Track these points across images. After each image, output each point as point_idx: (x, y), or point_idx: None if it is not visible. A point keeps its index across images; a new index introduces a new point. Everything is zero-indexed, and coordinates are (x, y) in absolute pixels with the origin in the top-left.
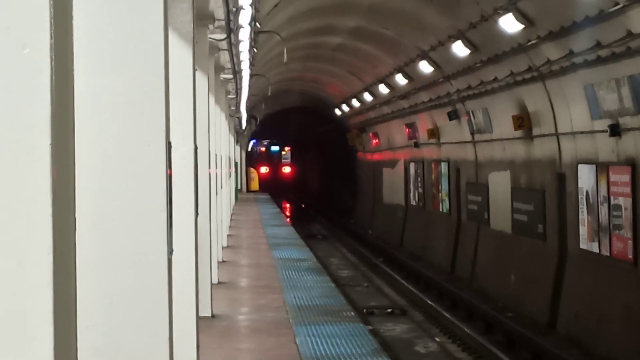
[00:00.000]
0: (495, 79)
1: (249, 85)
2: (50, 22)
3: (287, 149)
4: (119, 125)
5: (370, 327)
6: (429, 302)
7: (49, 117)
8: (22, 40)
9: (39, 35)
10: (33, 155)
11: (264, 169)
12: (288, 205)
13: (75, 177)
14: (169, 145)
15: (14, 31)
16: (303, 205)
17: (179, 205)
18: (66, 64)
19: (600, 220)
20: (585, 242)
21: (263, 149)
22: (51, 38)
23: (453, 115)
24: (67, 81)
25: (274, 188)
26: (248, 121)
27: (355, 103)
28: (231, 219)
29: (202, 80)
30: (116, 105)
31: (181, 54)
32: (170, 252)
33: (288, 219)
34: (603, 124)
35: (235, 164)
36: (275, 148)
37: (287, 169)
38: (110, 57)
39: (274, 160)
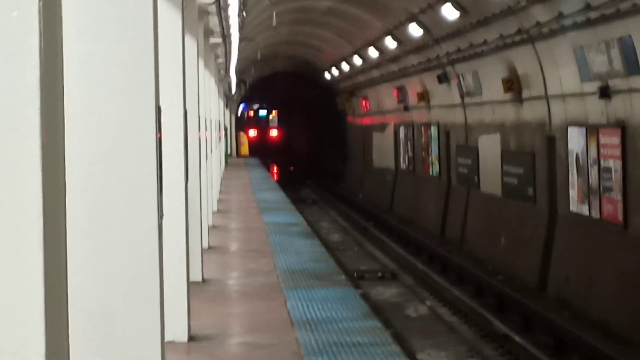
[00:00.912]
0: (485, 42)
1: (239, 50)
2: None
3: (274, 112)
4: (109, 90)
5: (361, 291)
6: (419, 265)
7: (38, 81)
8: (11, 4)
9: None
10: (22, 119)
11: (252, 132)
12: (277, 168)
13: (64, 142)
14: (158, 110)
15: None
16: (291, 168)
17: (169, 170)
18: (55, 27)
19: (590, 182)
20: (575, 205)
21: (251, 113)
22: (40, 1)
23: (443, 79)
24: (56, 45)
25: (262, 150)
26: (238, 85)
27: (344, 67)
28: (221, 184)
29: (191, 45)
30: (106, 70)
31: (170, 18)
32: (160, 216)
33: (277, 181)
34: (593, 86)
35: (225, 128)
36: (263, 112)
37: (274, 132)
38: (99, 23)
39: (262, 124)
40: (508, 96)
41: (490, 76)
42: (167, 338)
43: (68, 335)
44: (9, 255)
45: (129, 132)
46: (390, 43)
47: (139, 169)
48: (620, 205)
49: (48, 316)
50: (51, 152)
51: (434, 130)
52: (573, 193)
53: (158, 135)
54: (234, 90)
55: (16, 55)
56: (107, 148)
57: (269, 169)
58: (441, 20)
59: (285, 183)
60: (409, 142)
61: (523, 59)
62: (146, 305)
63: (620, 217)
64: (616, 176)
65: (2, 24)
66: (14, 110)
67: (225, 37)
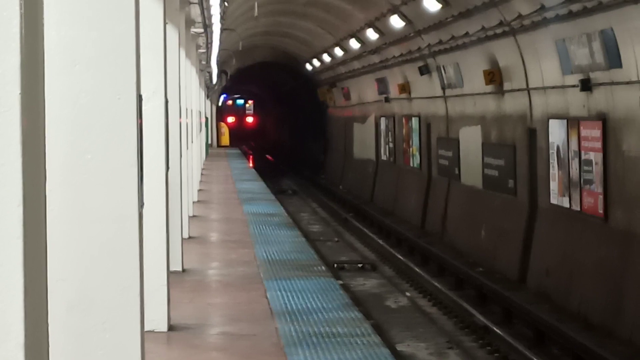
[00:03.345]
0: (467, 34)
1: (220, 40)
2: None
3: (250, 102)
4: (90, 78)
5: (341, 282)
6: (400, 257)
7: (19, 66)
8: None
9: None
10: (3, 104)
11: (230, 119)
12: (258, 159)
13: (45, 128)
14: (139, 98)
15: None
16: (271, 158)
17: (149, 159)
18: (36, 13)
19: (571, 175)
20: (556, 197)
21: (230, 102)
22: None
23: (424, 70)
24: (37, 31)
25: (239, 135)
26: (219, 76)
27: (326, 58)
28: (202, 174)
29: (172, 34)
30: (87, 58)
31: (152, 7)
32: (141, 205)
33: (258, 172)
34: (574, 78)
35: (206, 118)
36: (240, 101)
37: (250, 119)
38: (81, 10)
39: (239, 112)
40: (489, 88)
41: (471, 68)
42: (147, 327)
43: (47, 324)
44: None
45: (109, 120)
46: (371, 34)
47: (120, 158)
48: (600, 198)
49: (27, 305)
50: (32, 138)
51: (415, 122)
52: (554, 185)
53: (139, 123)
54: (215, 80)
55: None
56: (86, 135)
57: (249, 158)
58: (423, 12)
59: (266, 174)
60: (389, 134)
61: (504, 51)
62: (126, 295)
63: (600, 209)
64: (597, 169)
65: None
66: None
67: (207, 27)
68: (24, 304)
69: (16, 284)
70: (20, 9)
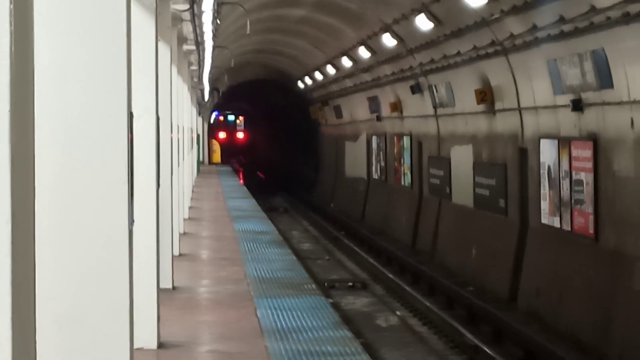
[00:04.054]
0: (459, 53)
1: (212, 57)
2: None
3: (241, 118)
4: (81, 95)
5: (331, 301)
6: (390, 276)
7: (8, 83)
8: None
9: None
10: None
11: (221, 134)
12: (249, 177)
13: (34, 146)
14: (130, 116)
15: None
16: (262, 175)
17: (140, 176)
18: (26, 30)
19: (561, 195)
20: (547, 217)
21: (222, 118)
22: (10, 3)
23: (416, 89)
24: (27, 48)
25: (230, 150)
26: (211, 93)
27: (318, 76)
28: (193, 191)
29: (164, 51)
30: (78, 75)
31: (144, 24)
32: (131, 222)
33: (249, 190)
34: (565, 99)
35: (198, 136)
36: (231, 117)
37: (240, 135)
38: (72, 28)
39: (230, 128)
40: (481, 107)
41: (463, 87)
42: (136, 345)
43: (35, 340)
44: None
45: (99, 137)
46: (363, 53)
47: (110, 175)
48: (591, 218)
49: (15, 323)
50: (21, 156)
51: (406, 141)
52: (544, 205)
53: (130, 140)
54: (207, 97)
55: None
56: (77, 153)
57: (240, 176)
58: (415, 31)
59: (257, 191)
60: (381, 153)
61: (496, 71)
62: (115, 312)
63: (591, 229)
64: (588, 189)
65: None
66: None
67: (199, 44)
68: (11, 322)
69: (4, 302)
70: (10, 26)
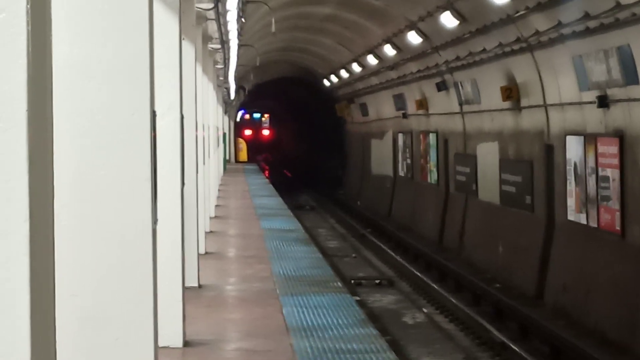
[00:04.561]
0: (484, 50)
1: (237, 56)
2: None
3: (266, 116)
4: (103, 93)
5: (358, 298)
6: (417, 273)
7: (26, 83)
8: None
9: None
10: (10, 121)
11: (247, 132)
12: (276, 175)
13: (53, 144)
14: (153, 114)
15: None
16: (288, 174)
17: (164, 175)
18: (44, 30)
19: (588, 191)
20: (573, 214)
21: (247, 116)
22: (28, 3)
23: (442, 86)
24: (45, 47)
25: (255, 146)
26: (237, 91)
27: (343, 74)
28: (219, 189)
29: (189, 50)
30: (100, 73)
31: (167, 23)
32: (154, 221)
33: (275, 187)
34: (591, 95)
35: (224, 134)
36: (257, 115)
37: (265, 132)
38: (95, 26)
39: (255, 125)
40: (507, 104)
41: (489, 84)
42: (162, 343)
43: (55, 339)
44: None
45: (122, 135)
46: (389, 50)
47: (132, 173)
48: (617, 215)
49: (34, 322)
50: (39, 155)
51: (432, 138)
52: (571, 202)
53: (153, 139)
54: (232, 96)
55: (4, 57)
56: (99, 151)
57: (266, 174)
58: (440, 28)
59: (284, 189)
60: (407, 150)
61: (522, 68)
62: (139, 311)
63: (617, 226)
64: (614, 185)
65: None
66: (1, 112)
67: (224, 42)
68: (30, 320)
69: (22, 300)
70: (28, 25)
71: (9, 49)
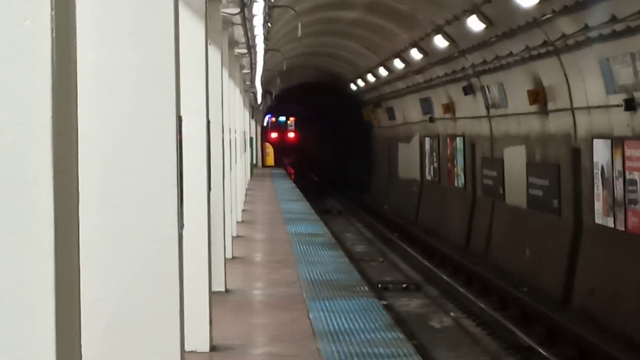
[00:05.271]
0: (511, 54)
1: (264, 60)
2: None
3: (291, 119)
4: (129, 99)
5: (385, 302)
6: (444, 277)
7: (50, 90)
8: (23, 12)
9: (40, 7)
10: (34, 128)
11: (273, 134)
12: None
13: (78, 150)
14: (179, 120)
15: (14, 3)
16: (316, 178)
17: (191, 180)
18: (68, 36)
19: (615, 194)
20: (600, 217)
21: (274, 119)
22: (52, 10)
23: (468, 90)
24: (70, 54)
25: (281, 149)
26: (263, 96)
27: (370, 78)
28: (246, 194)
29: (215, 55)
30: (126, 79)
31: (193, 28)
32: (181, 226)
33: (302, 192)
34: (618, 98)
35: (250, 139)
36: (282, 118)
37: (291, 135)
38: (120, 32)
39: (281, 128)
40: (533, 108)
41: (515, 88)
42: (189, 348)
43: (80, 343)
44: (19, 265)
45: (148, 141)
46: (415, 54)
47: (159, 178)
48: None
49: (59, 327)
50: (64, 161)
51: (459, 142)
52: (598, 205)
53: (179, 144)
54: (259, 100)
55: (28, 64)
56: (125, 156)
57: (292, 178)
58: (467, 32)
59: (310, 194)
60: (434, 154)
61: (548, 71)
62: (166, 315)
63: None
64: None
65: (14, 32)
66: (25, 119)
67: (251, 47)
68: (55, 325)
69: (48, 306)
70: (52, 32)
71: (33, 56)
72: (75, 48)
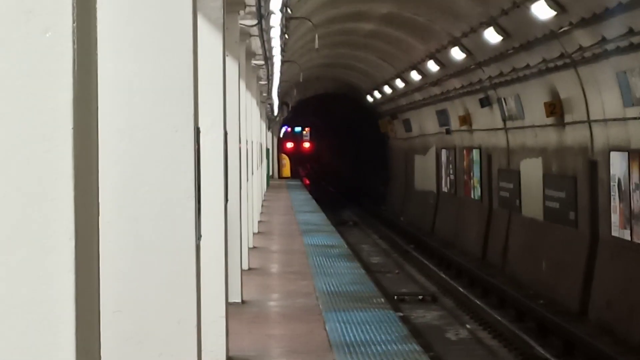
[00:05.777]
0: (527, 66)
1: (281, 72)
2: (73, 6)
3: (307, 129)
4: (147, 110)
5: (401, 314)
6: (460, 289)
7: (71, 101)
8: (44, 24)
9: (61, 19)
10: (55, 139)
11: (289, 144)
12: (318, 191)
13: (98, 162)
14: (197, 131)
15: (35, 15)
16: (332, 189)
17: (208, 191)
18: (89, 48)
19: (632, 207)
20: (617, 230)
21: (289, 129)
22: (73, 22)
23: (485, 102)
24: (90, 66)
25: (297, 158)
26: (280, 107)
27: (387, 90)
28: (262, 205)
29: (232, 66)
30: (144, 91)
31: (211, 39)
32: (198, 237)
33: (318, 203)
34: (635, 110)
35: (267, 150)
36: (298, 129)
37: (306, 144)
38: (138, 43)
39: (297, 138)
40: (550, 120)
41: (532, 100)
42: (205, 359)
43: (100, 355)
44: (40, 277)
45: (166, 152)
46: (432, 66)
47: (176, 190)
48: None
49: (79, 339)
50: (84, 173)
51: (475, 154)
52: (615, 218)
53: (197, 155)
54: (276, 112)
55: (49, 76)
56: (143, 168)
57: (309, 190)
58: (484, 44)
59: (327, 205)
60: (450, 166)
61: (565, 83)
62: (182, 326)
63: None
64: None
65: (35, 44)
66: (47, 131)
67: (268, 59)
68: (75, 337)
69: (68, 315)
70: (73, 45)
71: (55, 68)
72: (97, 60)
